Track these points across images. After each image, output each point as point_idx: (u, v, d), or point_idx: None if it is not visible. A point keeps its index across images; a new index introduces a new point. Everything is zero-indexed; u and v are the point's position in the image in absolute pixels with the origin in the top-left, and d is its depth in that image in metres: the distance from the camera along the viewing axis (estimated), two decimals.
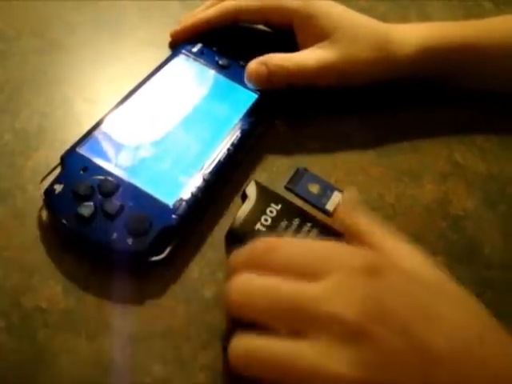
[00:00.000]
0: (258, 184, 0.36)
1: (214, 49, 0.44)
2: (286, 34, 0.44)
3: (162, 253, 0.32)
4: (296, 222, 0.34)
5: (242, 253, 0.29)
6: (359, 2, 0.55)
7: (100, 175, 0.33)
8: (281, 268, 0.28)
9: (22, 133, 0.37)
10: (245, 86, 0.41)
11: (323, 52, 0.41)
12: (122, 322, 0.30)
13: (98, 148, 0.35)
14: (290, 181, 0.39)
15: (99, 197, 0.32)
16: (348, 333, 0.25)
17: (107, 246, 0.31)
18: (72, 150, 0.34)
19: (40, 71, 0.41)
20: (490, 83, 0.47)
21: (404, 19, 0.55)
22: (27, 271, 0.31)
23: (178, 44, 0.44)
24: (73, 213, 0.31)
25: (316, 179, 0.39)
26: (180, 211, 0.33)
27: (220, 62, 0.42)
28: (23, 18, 0.44)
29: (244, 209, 0.34)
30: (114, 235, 0.31)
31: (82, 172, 0.33)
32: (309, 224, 0.34)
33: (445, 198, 0.41)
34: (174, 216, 0.32)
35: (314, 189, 0.39)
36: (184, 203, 0.33)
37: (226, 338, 0.28)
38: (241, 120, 0.39)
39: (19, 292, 0.30)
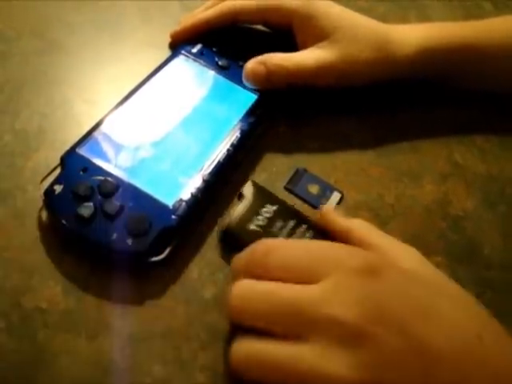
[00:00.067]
0: (254, 184, 0.36)
1: (214, 49, 0.44)
2: (285, 34, 0.44)
3: (161, 253, 0.32)
4: (291, 223, 0.34)
5: (242, 256, 0.30)
6: (359, 2, 0.55)
7: (100, 176, 0.33)
8: (280, 270, 0.28)
9: (22, 133, 0.37)
10: (244, 87, 0.41)
11: (323, 52, 0.41)
12: (122, 323, 0.30)
13: (98, 148, 0.35)
14: (290, 181, 0.39)
15: (99, 197, 0.32)
16: (347, 335, 0.25)
17: (107, 247, 0.31)
18: (72, 150, 0.34)
19: (40, 72, 0.41)
20: (489, 84, 0.47)
21: (404, 20, 0.55)
22: (27, 272, 0.31)
23: (177, 45, 0.44)
24: (73, 213, 0.31)
25: (315, 180, 0.39)
26: (180, 212, 0.33)
27: (220, 63, 0.43)
28: (23, 19, 0.44)
29: (239, 208, 0.34)
30: (114, 236, 0.31)
31: (81, 172, 0.33)
32: (304, 226, 0.34)
33: (444, 199, 0.41)
34: (173, 216, 0.32)
35: (314, 189, 0.39)
36: (184, 204, 0.33)
37: (229, 341, 0.28)
38: (240, 121, 0.39)
39: (19, 292, 0.30)
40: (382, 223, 0.38)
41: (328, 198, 0.38)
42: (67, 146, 0.34)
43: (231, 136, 0.38)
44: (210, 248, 0.34)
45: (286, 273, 0.28)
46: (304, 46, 0.42)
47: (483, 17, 0.47)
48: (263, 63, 0.40)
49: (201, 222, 0.35)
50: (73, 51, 0.43)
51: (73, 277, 0.31)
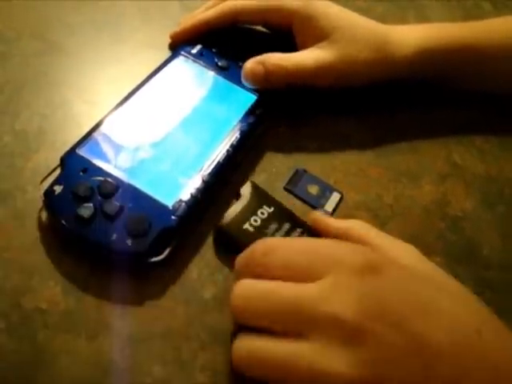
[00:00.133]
0: (253, 185, 0.36)
1: (214, 50, 0.44)
2: (285, 35, 0.44)
3: (161, 254, 0.32)
4: (286, 226, 0.34)
5: (243, 256, 0.30)
6: (357, 2, 0.55)
7: (100, 176, 0.33)
8: (280, 269, 0.28)
9: (22, 134, 0.37)
10: (244, 88, 0.41)
11: (322, 52, 0.41)
12: (122, 323, 0.30)
13: (98, 149, 0.35)
14: (289, 182, 0.39)
15: (99, 198, 0.32)
16: (347, 332, 0.25)
17: (107, 247, 0.31)
18: (72, 151, 0.34)
19: (40, 72, 0.41)
20: (488, 85, 0.48)
21: (402, 20, 0.55)
22: (27, 272, 0.31)
23: (177, 45, 0.44)
24: (72, 214, 0.31)
25: (315, 180, 0.39)
26: (179, 212, 0.33)
27: (219, 64, 0.43)
28: (23, 20, 0.44)
29: (235, 207, 0.34)
30: (114, 236, 0.31)
31: (81, 173, 0.33)
32: (299, 229, 0.34)
33: (443, 199, 0.41)
34: (173, 217, 0.33)
35: (313, 190, 0.39)
36: (183, 204, 0.33)
37: (232, 340, 0.28)
38: (240, 121, 0.39)
39: (19, 293, 0.30)
40: (381, 223, 0.38)
41: (328, 199, 0.38)
42: (67, 147, 0.34)
43: (231, 136, 0.38)
44: (210, 248, 0.34)
45: (287, 271, 0.28)
46: (304, 47, 0.43)
47: (482, 17, 0.47)
48: (262, 63, 0.41)
49: (200, 222, 0.35)
50: (73, 52, 0.43)
51: (73, 277, 0.31)
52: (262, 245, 0.29)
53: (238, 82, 0.42)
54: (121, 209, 0.32)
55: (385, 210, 0.39)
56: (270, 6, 0.43)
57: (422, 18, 0.56)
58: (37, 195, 0.33)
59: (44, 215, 0.33)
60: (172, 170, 0.35)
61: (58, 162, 0.34)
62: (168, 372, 0.29)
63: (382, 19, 0.45)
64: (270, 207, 0.35)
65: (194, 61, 0.43)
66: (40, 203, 0.33)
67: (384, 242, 0.32)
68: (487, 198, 0.42)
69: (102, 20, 0.46)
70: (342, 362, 0.25)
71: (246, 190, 0.35)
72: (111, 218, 0.31)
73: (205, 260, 0.34)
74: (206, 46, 0.44)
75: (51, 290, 0.31)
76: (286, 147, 0.41)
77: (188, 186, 0.34)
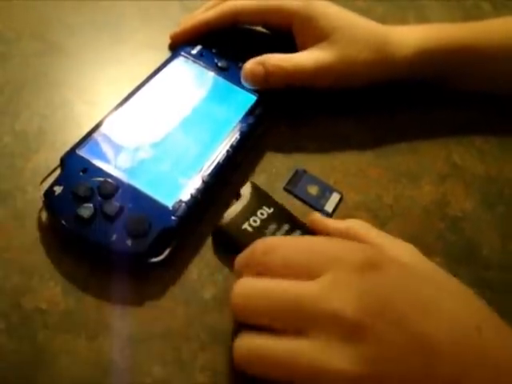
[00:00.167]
0: (253, 185, 0.36)
1: (214, 51, 0.44)
2: (284, 35, 0.44)
3: (161, 254, 0.32)
4: (285, 227, 0.34)
5: (243, 255, 0.30)
6: (357, 2, 0.55)
7: (100, 177, 0.33)
8: (280, 267, 0.28)
9: (22, 135, 0.37)
10: (244, 88, 0.41)
11: (321, 53, 0.41)
12: (122, 323, 0.30)
13: (98, 150, 0.35)
14: (289, 182, 0.39)
15: (99, 198, 0.32)
16: (347, 329, 0.25)
17: (107, 248, 0.31)
18: (72, 151, 0.34)
19: (40, 73, 0.41)
20: (488, 85, 0.48)
21: (402, 21, 0.55)
22: (27, 272, 0.31)
23: (177, 46, 0.44)
24: (72, 214, 0.31)
25: (315, 180, 0.39)
26: (179, 213, 0.33)
27: (219, 64, 0.43)
28: (23, 20, 0.44)
29: (234, 207, 0.34)
30: (114, 236, 0.31)
31: (81, 173, 0.33)
32: (298, 231, 0.34)
33: (443, 199, 0.41)
34: (173, 217, 0.33)
35: (313, 190, 0.39)
36: (183, 205, 0.33)
37: (233, 339, 0.28)
38: (240, 122, 0.39)
39: (19, 293, 0.30)
40: (381, 224, 0.38)
41: (327, 199, 0.38)
42: (67, 147, 0.34)
43: (231, 137, 0.38)
44: (210, 249, 0.34)
45: (287, 270, 0.28)
46: (304, 48, 0.43)
47: (482, 17, 0.47)
48: (262, 64, 0.41)
49: (200, 222, 0.35)
50: (73, 52, 0.43)
51: (72, 277, 0.31)
52: (262, 244, 0.29)
53: (238, 83, 0.42)
54: (121, 209, 0.32)
55: (385, 211, 0.39)
56: (269, 7, 0.44)
57: (422, 19, 0.56)
58: (37, 195, 0.33)
59: (44, 215, 0.33)
60: (172, 170, 0.35)
61: (57, 162, 0.34)
62: (168, 372, 0.29)
63: (382, 20, 0.45)
64: (269, 208, 0.35)
65: (194, 61, 0.43)
66: (40, 203, 0.33)
67: (384, 241, 0.32)
68: (487, 198, 0.42)
69: (101, 20, 0.46)
70: (342, 358, 0.25)
71: (245, 191, 0.36)
72: (111, 218, 0.31)
73: (205, 260, 0.34)
74: (206, 46, 0.44)
75: (51, 290, 0.31)
76: (285, 147, 0.41)
77: (188, 187, 0.34)
